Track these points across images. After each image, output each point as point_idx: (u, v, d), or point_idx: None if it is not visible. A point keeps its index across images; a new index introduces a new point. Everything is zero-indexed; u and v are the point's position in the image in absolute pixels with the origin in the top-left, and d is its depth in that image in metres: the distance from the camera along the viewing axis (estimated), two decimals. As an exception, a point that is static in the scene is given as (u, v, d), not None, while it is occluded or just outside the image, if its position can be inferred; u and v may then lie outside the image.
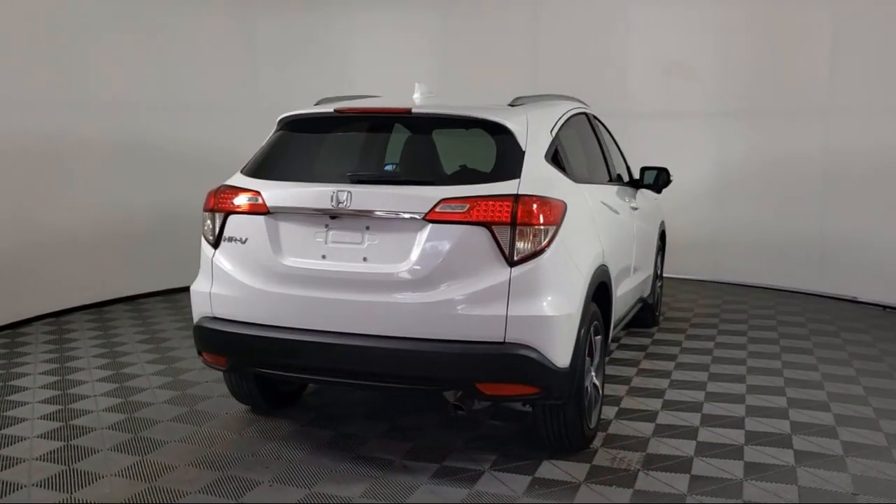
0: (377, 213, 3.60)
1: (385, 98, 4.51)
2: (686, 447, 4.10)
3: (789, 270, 8.04)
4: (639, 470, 3.83)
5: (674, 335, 6.42)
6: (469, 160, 4.16)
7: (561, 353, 3.55)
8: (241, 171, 4.07)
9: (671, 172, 5.86)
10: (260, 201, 3.78)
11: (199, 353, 4.10)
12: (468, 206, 3.49)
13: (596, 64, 8.57)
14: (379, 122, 4.20)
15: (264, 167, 4.00)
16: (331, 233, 3.69)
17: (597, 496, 3.56)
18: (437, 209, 3.50)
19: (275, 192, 3.78)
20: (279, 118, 4.20)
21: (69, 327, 6.66)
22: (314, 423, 4.48)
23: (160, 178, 7.79)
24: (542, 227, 3.51)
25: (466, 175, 3.95)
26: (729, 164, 8.35)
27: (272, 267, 3.74)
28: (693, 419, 4.50)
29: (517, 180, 3.60)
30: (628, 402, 4.78)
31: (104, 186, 7.39)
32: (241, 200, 3.85)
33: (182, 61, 8.01)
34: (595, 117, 5.36)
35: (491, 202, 3.48)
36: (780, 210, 8.06)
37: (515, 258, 3.47)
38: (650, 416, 4.54)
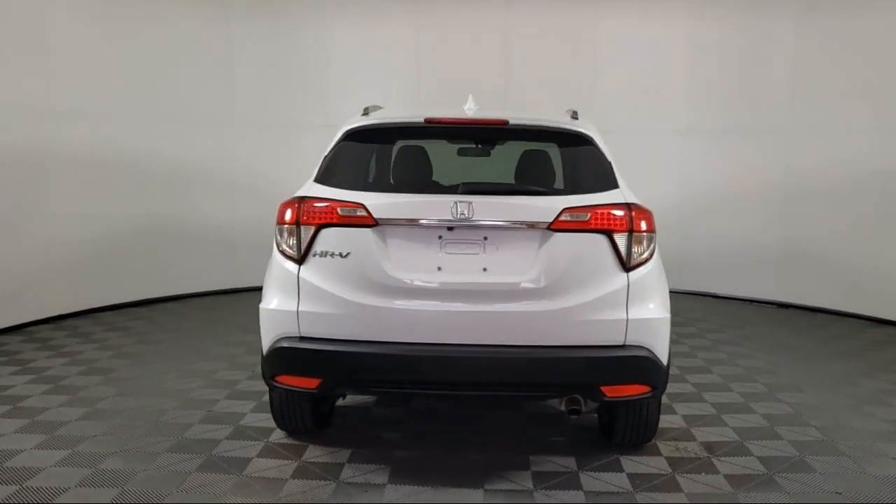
0: (502, 223, 3.59)
1: (388, 110, 4.40)
2: (727, 433, 4.49)
3: (749, 281, 8.54)
4: (709, 457, 4.14)
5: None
6: (529, 171, 4.24)
7: (665, 352, 3.76)
8: (317, 181, 3.82)
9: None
10: (364, 213, 3.60)
11: (273, 378, 3.77)
12: (589, 214, 3.60)
13: (566, 80, 8.77)
14: (468, 132, 4.14)
15: (351, 177, 3.80)
16: (446, 244, 3.62)
17: (700, 486, 3.80)
18: (561, 218, 3.58)
19: (382, 203, 3.62)
20: (348, 127, 3.98)
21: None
22: (365, 444, 4.29)
23: (137, 189, 7.77)
24: (647, 234, 3.71)
25: (568, 185, 4.00)
26: (693, 180, 8.73)
27: (382, 281, 3.58)
28: (706, 408, 4.91)
29: (619, 190, 3.77)
30: (636, 398, 5.09)
31: (80, 197, 7.31)
32: (339, 212, 3.63)
33: (159, 73, 7.92)
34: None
35: (610, 210, 3.62)
36: (742, 224, 8.50)
37: (631, 264, 3.64)
38: (668, 409, 4.87)
